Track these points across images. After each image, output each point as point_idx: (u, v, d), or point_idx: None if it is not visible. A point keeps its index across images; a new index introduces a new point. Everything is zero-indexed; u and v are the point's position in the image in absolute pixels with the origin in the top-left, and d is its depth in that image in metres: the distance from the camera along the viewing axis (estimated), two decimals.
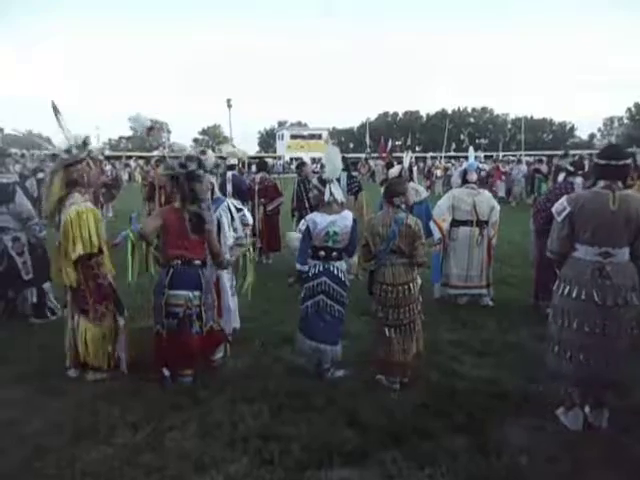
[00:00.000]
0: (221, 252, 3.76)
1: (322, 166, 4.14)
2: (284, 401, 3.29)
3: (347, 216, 3.64)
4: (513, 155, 28.51)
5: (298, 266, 3.66)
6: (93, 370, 3.61)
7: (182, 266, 3.48)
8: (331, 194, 3.61)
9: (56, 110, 3.48)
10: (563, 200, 2.97)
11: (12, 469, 2.64)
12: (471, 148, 6.95)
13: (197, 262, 3.53)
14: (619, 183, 2.85)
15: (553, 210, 3.03)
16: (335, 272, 3.60)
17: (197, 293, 3.51)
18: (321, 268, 3.60)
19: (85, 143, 3.57)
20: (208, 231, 3.54)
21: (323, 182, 3.69)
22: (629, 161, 2.97)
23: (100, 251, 3.56)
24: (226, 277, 4.20)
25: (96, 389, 3.47)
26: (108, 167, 14.00)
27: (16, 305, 4.96)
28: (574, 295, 2.89)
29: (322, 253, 3.60)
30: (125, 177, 13.23)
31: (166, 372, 3.55)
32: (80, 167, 3.53)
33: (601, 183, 2.88)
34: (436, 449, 2.78)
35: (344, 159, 5.47)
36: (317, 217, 3.63)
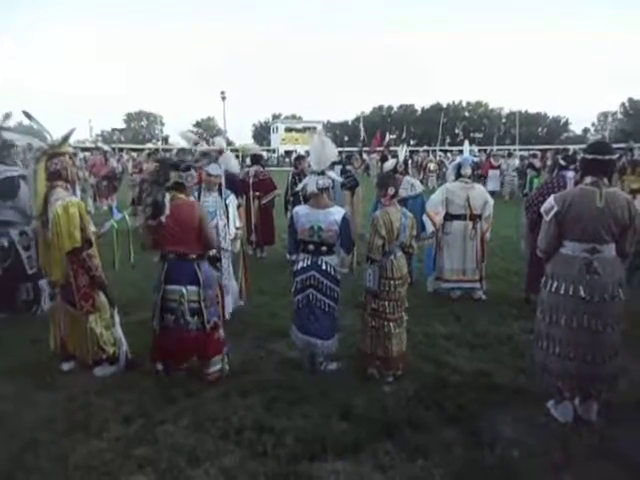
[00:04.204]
0: (213, 242, 3.67)
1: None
2: (277, 394, 3.30)
3: (335, 212, 3.56)
4: (507, 149, 28.52)
5: (287, 255, 3.77)
6: (100, 364, 3.60)
7: (176, 260, 3.42)
8: (304, 185, 3.60)
9: (29, 116, 3.44)
10: (551, 199, 3.00)
11: (4, 463, 2.63)
12: (466, 142, 6.92)
13: (192, 256, 3.43)
14: (605, 179, 2.89)
15: (542, 209, 3.06)
16: (324, 266, 3.56)
17: (193, 288, 3.40)
18: (309, 262, 3.58)
19: (66, 137, 3.51)
20: (200, 219, 3.42)
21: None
22: (615, 156, 3.01)
23: (90, 243, 3.54)
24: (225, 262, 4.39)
25: (89, 382, 3.46)
26: (112, 160, 13.50)
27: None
28: (562, 291, 2.92)
29: (311, 247, 3.58)
30: (119, 169, 12.96)
31: (159, 366, 3.53)
32: (62, 159, 3.48)
33: (588, 179, 2.92)
34: (429, 441, 2.80)
35: (339, 153, 5.45)
36: (301, 209, 3.64)
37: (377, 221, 3.48)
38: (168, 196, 3.35)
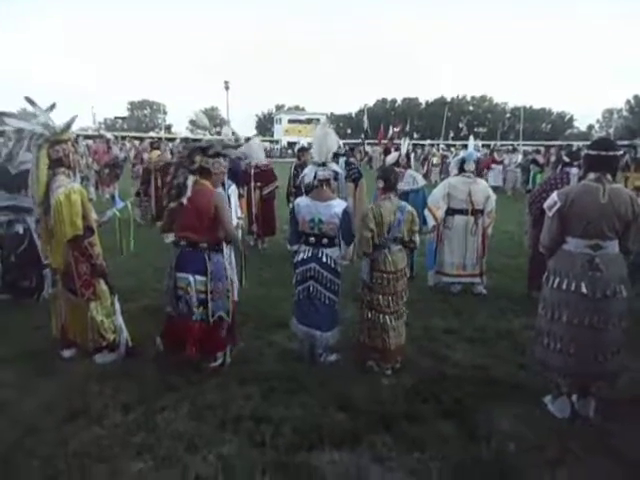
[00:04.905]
0: (232, 233, 3.48)
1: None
2: (276, 384, 3.31)
3: (336, 205, 3.53)
4: (510, 144, 28.37)
5: (288, 246, 3.78)
6: (100, 352, 3.61)
7: (187, 248, 3.35)
8: (303, 176, 3.60)
9: (32, 102, 3.43)
10: (554, 195, 2.99)
11: (4, 449, 2.65)
12: (471, 137, 6.87)
13: (203, 245, 3.34)
14: (608, 176, 2.87)
15: (545, 205, 3.05)
16: (324, 259, 3.55)
17: (201, 278, 3.33)
18: (310, 254, 3.58)
19: (68, 124, 3.49)
20: (216, 207, 3.30)
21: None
22: (619, 153, 2.99)
23: (92, 231, 3.54)
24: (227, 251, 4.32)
25: (89, 369, 3.48)
26: (115, 148, 13.27)
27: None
28: (564, 287, 2.92)
29: (312, 239, 3.58)
30: (121, 157, 12.87)
31: (160, 346, 3.48)
32: (65, 147, 3.46)
33: (591, 175, 2.90)
34: (426, 434, 2.81)
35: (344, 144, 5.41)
36: (303, 201, 3.62)
37: (367, 214, 3.49)
38: (192, 179, 3.30)
